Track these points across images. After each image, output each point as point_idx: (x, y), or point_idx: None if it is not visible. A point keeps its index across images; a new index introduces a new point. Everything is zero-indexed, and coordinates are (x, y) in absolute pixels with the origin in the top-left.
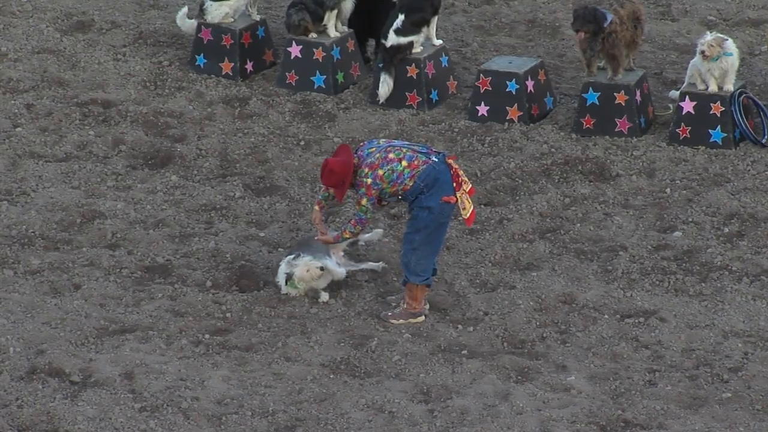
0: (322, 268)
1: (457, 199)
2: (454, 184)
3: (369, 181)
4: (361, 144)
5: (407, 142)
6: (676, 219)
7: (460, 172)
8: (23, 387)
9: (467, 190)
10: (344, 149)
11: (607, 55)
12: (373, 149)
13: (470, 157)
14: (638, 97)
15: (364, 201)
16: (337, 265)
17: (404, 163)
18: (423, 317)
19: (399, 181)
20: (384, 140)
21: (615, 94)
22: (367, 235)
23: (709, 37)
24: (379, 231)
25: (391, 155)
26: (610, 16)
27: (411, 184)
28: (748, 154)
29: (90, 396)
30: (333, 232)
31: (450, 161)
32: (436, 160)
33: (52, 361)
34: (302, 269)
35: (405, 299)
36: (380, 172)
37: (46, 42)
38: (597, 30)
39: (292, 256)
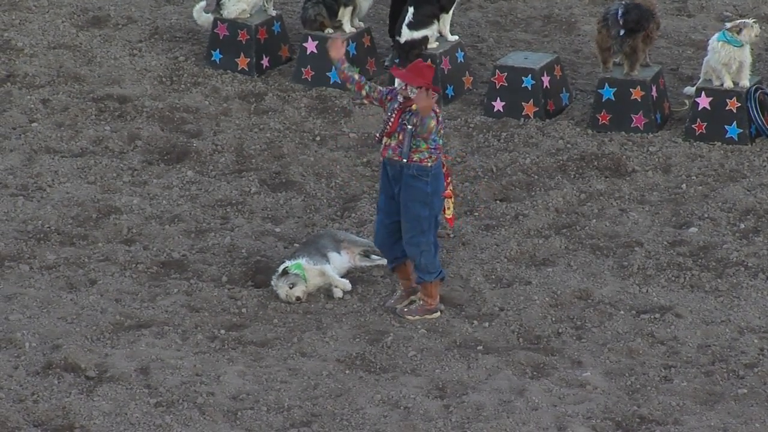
0: (298, 298)
1: (451, 194)
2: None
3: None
4: None
5: None
6: (692, 215)
7: (450, 172)
8: (39, 382)
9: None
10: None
11: (628, 48)
12: None
13: (486, 153)
14: (654, 93)
15: (432, 124)
16: (337, 272)
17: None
18: (439, 313)
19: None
20: None
21: (631, 89)
22: (375, 260)
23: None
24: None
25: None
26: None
27: (430, 160)
28: (764, 150)
29: (105, 391)
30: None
31: (443, 159)
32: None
33: (68, 356)
34: (282, 291)
35: (420, 296)
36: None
37: (62, 37)
38: (647, 23)
39: (278, 273)
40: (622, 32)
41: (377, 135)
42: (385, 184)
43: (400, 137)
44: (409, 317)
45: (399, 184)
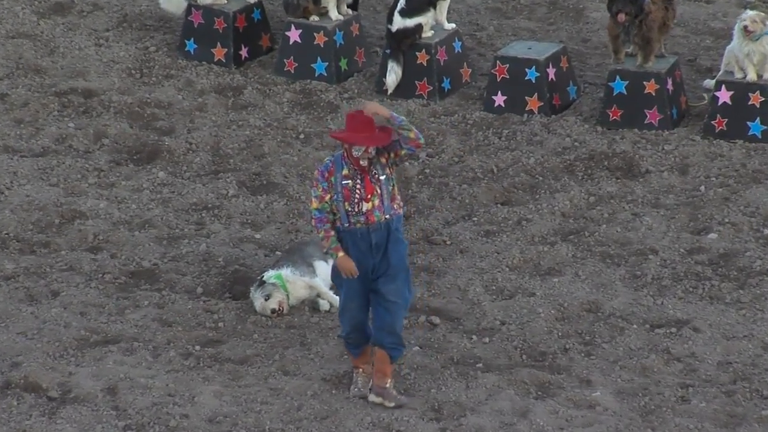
0: (275, 311)
1: None
2: None
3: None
4: None
5: None
6: (712, 219)
7: None
8: None
9: None
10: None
11: (641, 39)
12: None
13: (486, 152)
14: (670, 86)
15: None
16: (325, 283)
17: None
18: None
19: None
20: None
21: (645, 82)
22: None
23: (751, 12)
24: None
25: None
26: None
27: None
28: None
29: (69, 413)
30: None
31: None
32: None
33: (28, 375)
34: (258, 304)
35: (384, 378)
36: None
37: (21, 25)
38: (637, 12)
39: (256, 284)
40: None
41: (348, 213)
42: (363, 259)
43: (380, 192)
44: (391, 403)
45: (382, 249)
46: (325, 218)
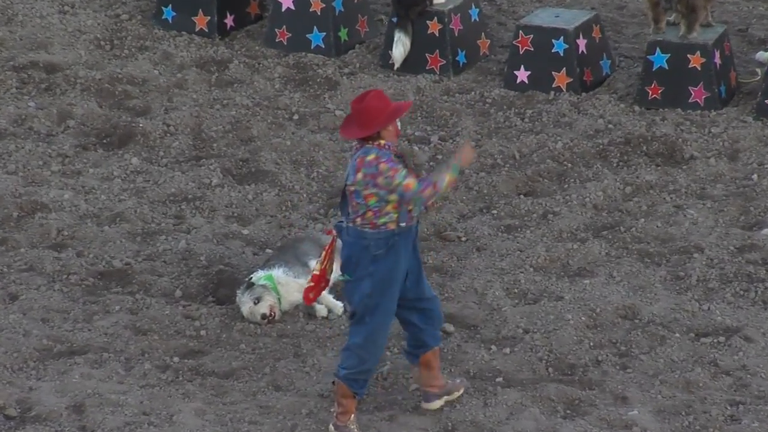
0: (265, 317)
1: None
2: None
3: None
4: None
5: None
6: (765, 213)
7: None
8: None
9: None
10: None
11: (685, 6)
12: None
13: (506, 135)
14: (718, 60)
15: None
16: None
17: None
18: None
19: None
20: None
21: (689, 56)
22: None
23: None
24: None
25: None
26: None
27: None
28: None
29: None
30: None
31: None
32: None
33: None
34: (246, 308)
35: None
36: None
37: None
38: None
39: (243, 286)
40: None
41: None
42: (405, 262)
43: None
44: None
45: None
46: (426, 181)
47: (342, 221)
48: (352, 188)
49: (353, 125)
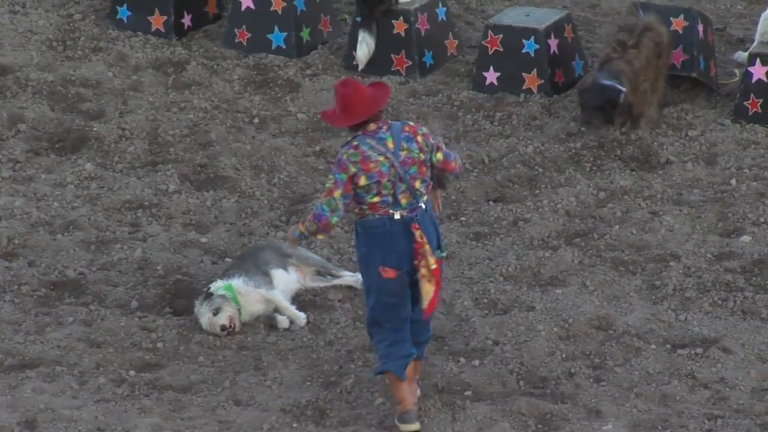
0: (225, 328)
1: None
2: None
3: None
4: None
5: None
6: (744, 219)
7: (424, 240)
8: None
9: (430, 267)
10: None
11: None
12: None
13: (475, 139)
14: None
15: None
16: (285, 295)
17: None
18: (414, 426)
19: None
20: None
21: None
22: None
23: None
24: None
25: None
26: (621, 89)
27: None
28: None
29: None
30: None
31: (414, 230)
32: (398, 218)
33: None
34: (205, 320)
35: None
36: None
37: None
38: (608, 118)
39: (201, 296)
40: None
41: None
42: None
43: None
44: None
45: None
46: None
47: (409, 213)
48: (422, 156)
49: (350, 112)
